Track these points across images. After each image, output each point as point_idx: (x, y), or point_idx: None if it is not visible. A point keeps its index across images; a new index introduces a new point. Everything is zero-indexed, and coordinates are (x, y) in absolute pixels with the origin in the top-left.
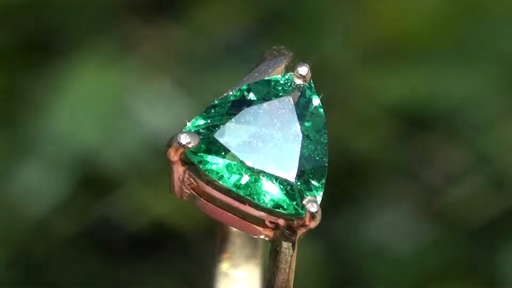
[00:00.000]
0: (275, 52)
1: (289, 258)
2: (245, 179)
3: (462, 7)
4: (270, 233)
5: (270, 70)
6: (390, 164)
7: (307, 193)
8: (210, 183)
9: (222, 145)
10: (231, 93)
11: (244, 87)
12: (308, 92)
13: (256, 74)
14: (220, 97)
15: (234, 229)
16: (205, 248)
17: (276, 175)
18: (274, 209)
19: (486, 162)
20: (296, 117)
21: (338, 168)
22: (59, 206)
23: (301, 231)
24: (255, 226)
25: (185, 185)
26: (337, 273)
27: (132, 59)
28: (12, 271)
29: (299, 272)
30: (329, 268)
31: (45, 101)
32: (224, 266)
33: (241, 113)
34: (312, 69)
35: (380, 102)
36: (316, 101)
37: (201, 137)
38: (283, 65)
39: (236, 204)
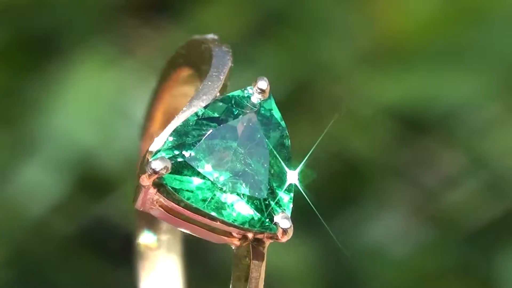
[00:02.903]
0: (210, 44)
1: (259, 268)
2: (215, 198)
3: (460, 10)
4: (237, 243)
5: (221, 77)
6: (387, 166)
7: (277, 209)
8: (181, 203)
9: (191, 166)
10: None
11: (208, 106)
12: (268, 105)
13: (209, 83)
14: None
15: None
16: (202, 249)
17: (246, 193)
18: (244, 226)
19: (483, 165)
20: (262, 133)
21: (336, 170)
22: (57, 206)
23: (268, 242)
24: (221, 236)
25: (152, 203)
26: (334, 274)
27: (130, 60)
28: (10, 271)
29: (296, 274)
30: (326, 270)
31: (43, 102)
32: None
33: (208, 133)
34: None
35: (378, 104)
36: (277, 113)
37: (172, 161)
38: (230, 65)
39: (206, 221)
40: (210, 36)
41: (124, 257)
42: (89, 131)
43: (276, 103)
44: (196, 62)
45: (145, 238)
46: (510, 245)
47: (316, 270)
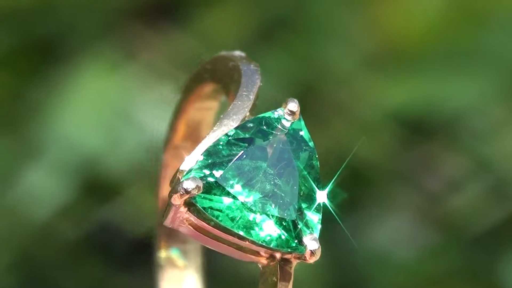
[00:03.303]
0: (238, 61)
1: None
2: (244, 218)
3: (463, 14)
4: (264, 262)
5: (251, 96)
6: (392, 170)
7: (306, 230)
8: (211, 222)
9: (222, 186)
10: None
11: (239, 126)
12: (297, 126)
13: (239, 102)
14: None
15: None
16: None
17: (275, 213)
18: (272, 247)
19: (487, 169)
20: (291, 154)
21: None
22: (62, 210)
23: (296, 262)
24: (249, 255)
25: (182, 221)
26: (340, 278)
27: (135, 65)
28: (14, 275)
29: (302, 278)
30: (331, 274)
31: (48, 106)
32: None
33: (239, 154)
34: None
35: (382, 109)
36: (306, 134)
37: (203, 181)
38: (259, 84)
39: (235, 240)
40: (237, 53)
41: (129, 262)
42: (93, 136)
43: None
44: (223, 78)
45: (165, 251)
46: None
47: (322, 273)
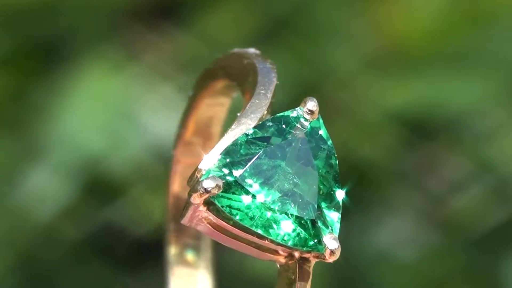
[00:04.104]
0: (252, 59)
1: (305, 287)
2: (263, 217)
3: (465, 16)
4: (283, 261)
5: (269, 95)
6: (394, 171)
7: (325, 229)
8: (230, 221)
9: (241, 185)
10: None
11: (257, 125)
12: (316, 125)
13: (257, 101)
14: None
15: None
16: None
17: (294, 212)
18: (291, 246)
19: (489, 170)
20: (310, 154)
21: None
22: (64, 211)
23: (314, 261)
24: (267, 254)
25: (200, 219)
26: (342, 279)
27: (137, 66)
28: (17, 276)
29: None
30: (333, 274)
31: (51, 107)
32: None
33: (258, 153)
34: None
35: (384, 110)
36: (324, 133)
37: (223, 180)
38: (276, 82)
39: (254, 239)
40: (252, 50)
41: (131, 263)
42: (96, 137)
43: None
44: (237, 76)
45: (176, 247)
46: None
47: (324, 274)
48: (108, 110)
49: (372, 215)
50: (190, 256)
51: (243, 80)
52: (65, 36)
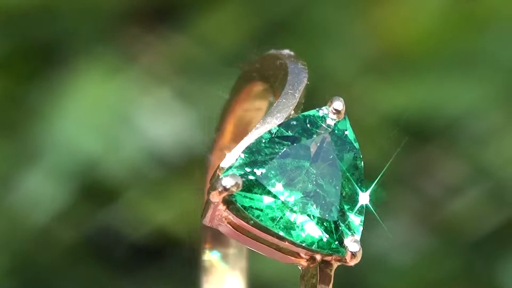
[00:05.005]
0: (285, 59)
1: None
2: (285, 218)
3: (462, 19)
4: (304, 264)
5: (297, 95)
6: (391, 174)
7: (347, 232)
8: (250, 221)
9: (262, 185)
10: (268, 128)
11: (282, 124)
12: (342, 126)
13: (284, 100)
14: (255, 129)
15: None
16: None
17: (316, 214)
18: (313, 248)
19: (486, 174)
20: (335, 154)
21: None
22: (60, 214)
23: (336, 265)
24: (288, 256)
25: (221, 219)
26: (338, 282)
27: (134, 69)
28: (13, 279)
29: (296, 280)
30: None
31: (47, 110)
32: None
33: (281, 153)
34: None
35: (381, 113)
36: (351, 134)
37: (243, 179)
38: (306, 83)
39: (274, 240)
40: (286, 51)
41: (127, 266)
42: (92, 139)
43: None
44: (270, 77)
45: (211, 254)
46: None
47: None
48: (105, 113)
49: (368, 218)
50: (222, 263)
51: (274, 81)
52: (61, 39)
